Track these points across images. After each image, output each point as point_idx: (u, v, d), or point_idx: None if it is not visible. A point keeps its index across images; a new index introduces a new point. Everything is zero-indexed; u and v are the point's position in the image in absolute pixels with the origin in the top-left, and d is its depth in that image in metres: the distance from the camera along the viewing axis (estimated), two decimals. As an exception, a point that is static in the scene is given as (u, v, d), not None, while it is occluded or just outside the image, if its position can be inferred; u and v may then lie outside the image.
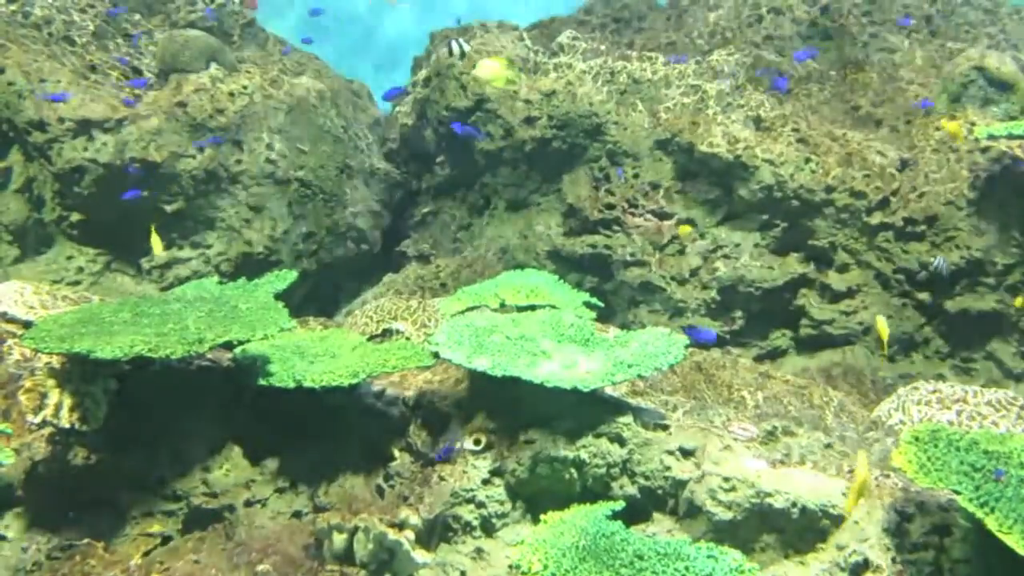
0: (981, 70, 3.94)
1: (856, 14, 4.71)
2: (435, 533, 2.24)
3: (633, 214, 4.11)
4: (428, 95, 4.64)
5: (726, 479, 2.17)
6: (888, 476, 2.30)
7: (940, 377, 3.69)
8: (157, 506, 2.33)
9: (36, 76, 3.80)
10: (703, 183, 4.07)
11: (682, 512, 2.21)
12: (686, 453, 2.27)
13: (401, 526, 2.16)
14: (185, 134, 3.93)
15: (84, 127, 3.82)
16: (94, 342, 2.17)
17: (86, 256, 3.89)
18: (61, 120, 3.78)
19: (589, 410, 2.29)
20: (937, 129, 3.93)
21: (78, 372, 2.31)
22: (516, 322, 2.52)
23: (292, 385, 2.26)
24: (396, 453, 2.42)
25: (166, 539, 2.31)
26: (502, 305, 2.76)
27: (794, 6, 4.80)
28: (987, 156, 3.75)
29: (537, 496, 2.25)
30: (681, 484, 2.22)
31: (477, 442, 2.32)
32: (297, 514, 2.34)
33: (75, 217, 3.88)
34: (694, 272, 4.01)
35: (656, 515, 2.24)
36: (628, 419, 2.29)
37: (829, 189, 3.92)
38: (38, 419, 2.27)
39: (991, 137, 3.63)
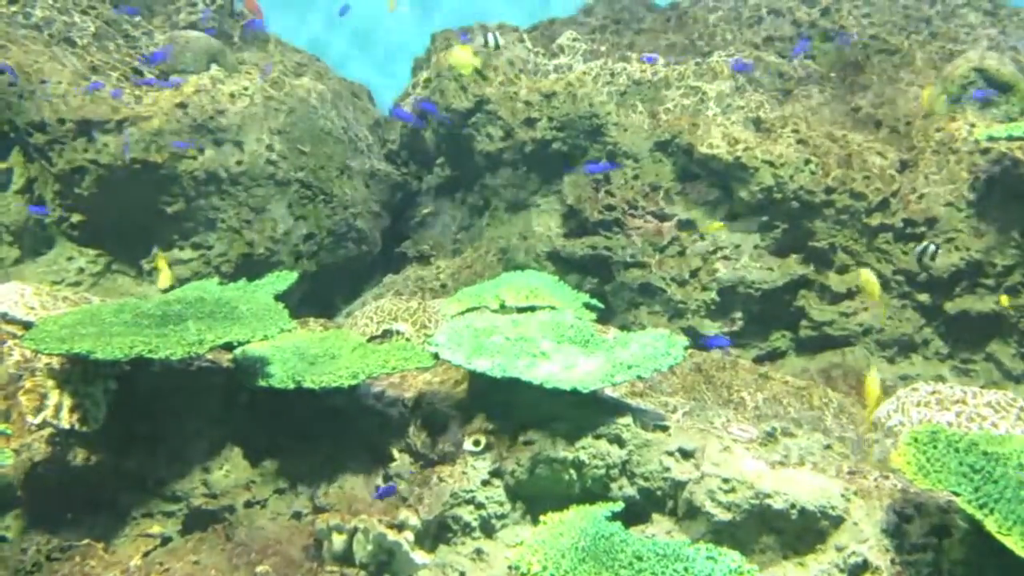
0: (981, 71, 3.94)
1: (856, 16, 4.72)
2: (434, 534, 2.24)
3: (633, 215, 4.11)
4: (428, 96, 4.64)
5: (725, 480, 2.17)
6: (887, 477, 2.30)
7: (940, 378, 3.69)
8: (157, 507, 2.34)
9: (37, 77, 3.80)
10: (703, 184, 4.07)
11: (681, 513, 2.21)
12: (685, 454, 2.27)
13: (400, 527, 2.17)
14: (186, 135, 3.94)
15: (85, 128, 3.82)
16: (94, 343, 2.17)
17: (86, 257, 3.90)
18: (62, 121, 3.79)
19: (588, 411, 2.30)
20: (938, 130, 3.93)
21: (78, 373, 2.31)
22: (516, 323, 2.53)
23: (292, 386, 2.27)
24: (396, 454, 2.43)
25: (166, 540, 2.31)
26: (502, 306, 2.76)
27: (794, 8, 4.81)
28: (987, 158, 3.75)
29: (536, 497, 2.25)
30: (680, 485, 2.22)
31: (476, 443, 2.32)
32: (297, 515, 2.35)
33: (76, 218, 3.88)
34: (694, 273, 4.01)
35: (655, 516, 2.24)
36: (627, 420, 2.29)
37: (829, 190, 3.92)
38: (38, 420, 2.27)
39: (991, 139, 3.63)
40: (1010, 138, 3.59)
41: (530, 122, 4.29)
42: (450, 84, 4.47)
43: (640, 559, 1.90)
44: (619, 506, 2.12)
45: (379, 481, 2.38)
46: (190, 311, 2.44)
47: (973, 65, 3.96)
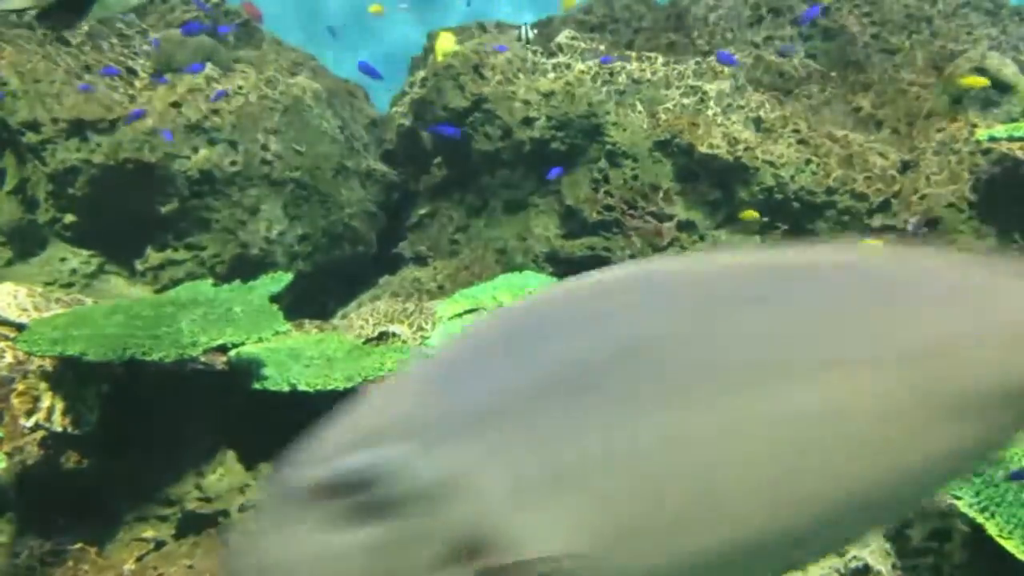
0: (982, 72, 3.92)
1: (857, 15, 4.70)
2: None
3: (632, 216, 4.09)
4: (425, 96, 4.62)
5: (725, 484, 2.15)
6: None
7: (940, 380, 3.68)
8: (150, 511, 2.32)
9: (30, 76, 3.77)
10: (703, 185, 4.05)
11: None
12: (685, 458, 2.25)
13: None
14: (180, 134, 3.91)
15: (78, 128, 3.79)
16: (87, 345, 2.15)
17: (80, 258, 3.87)
18: (55, 120, 3.76)
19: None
20: (939, 131, 3.92)
21: (71, 375, 2.29)
22: (514, 325, 2.50)
23: (287, 389, 2.25)
24: (392, 457, 2.40)
25: (159, 544, 2.29)
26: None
27: (794, 7, 4.79)
28: (988, 158, 3.74)
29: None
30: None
31: (474, 447, 2.30)
32: (292, 519, 2.32)
33: (69, 218, 3.86)
34: (693, 274, 3.99)
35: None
36: (627, 423, 2.27)
37: (830, 191, 3.90)
38: (31, 423, 2.25)
39: (992, 139, 3.62)
40: (1011, 139, 3.57)
41: (528, 121, 4.27)
42: (447, 83, 4.44)
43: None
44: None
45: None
46: (183, 313, 2.42)
47: (974, 65, 3.94)
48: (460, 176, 4.64)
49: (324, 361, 2.45)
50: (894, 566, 2.05)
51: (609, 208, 4.10)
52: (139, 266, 3.95)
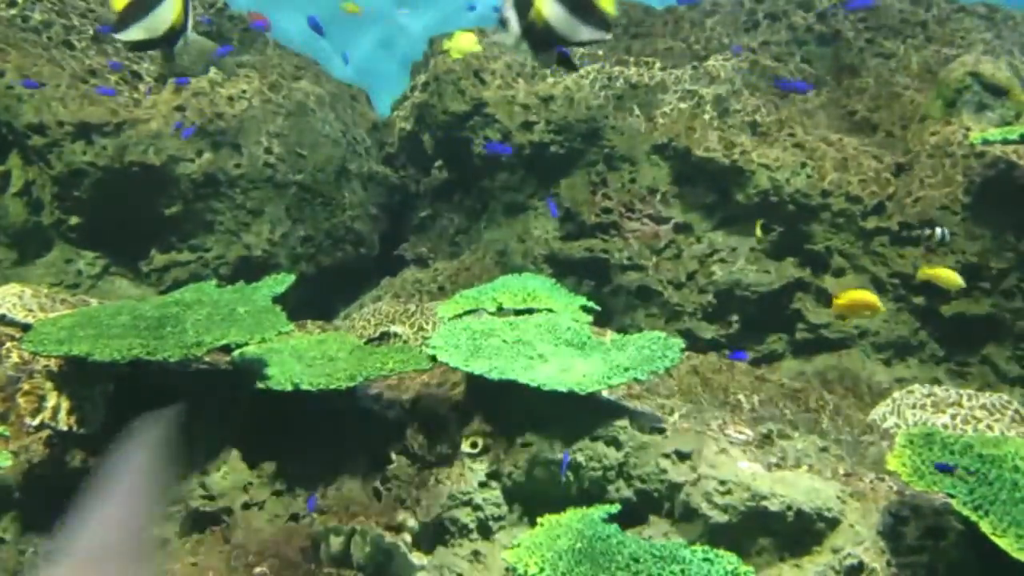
0: (976, 76, 3.96)
1: (852, 20, 4.74)
2: (432, 536, 2.25)
3: (630, 218, 4.12)
4: (426, 99, 4.65)
5: (722, 482, 2.18)
6: (883, 479, 2.31)
7: (935, 381, 3.70)
8: (155, 509, 2.34)
9: (35, 79, 3.80)
10: (700, 188, 4.09)
11: (678, 515, 2.22)
12: (682, 456, 2.28)
13: (398, 529, 2.17)
14: (184, 138, 3.94)
15: (83, 131, 3.83)
16: (92, 345, 2.18)
17: (85, 259, 3.90)
18: (60, 124, 3.79)
19: (586, 414, 2.30)
20: (933, 134, 3.95)
21: (76, 375, 2.32)
22: (513, 326, 2.54)
23: (290, 388, 2.27)
24: (393, 456, 2.43)
25: (164, 542, 2.31)
26: (499, 309, 2.77)
27: (790, 12, 4.83)
28: (982, 161, 3.77)
29: (534, 499, 2.26)
30: (677, 487, 2.23)
31: (474, 445, 2.33)
32: (294, 517, 2.35)
33: (74, 220, 3.89)
34: (691, 276, 4.02)
35: (652, 518, 2.25)
36: (624, 422, 2.30)
37: (825, 194, 3.94)
38: (36, 422, 2.28)
39: (986, 142, 3.65)
40: (1005, 141, 3.60)
41: (528, 125, 4.30)
42: (448, 88, 4.48)
43: (636, 561, 1.91)
44: (616, 508, 2.13)
45: (377, 483, 2.39)
46: (188, 313, 2.45)
47: (968, 69, 3.98)
48: (460, 179, 4.67)
49: (326, 361, 2.48)
50: (889, 563, 2.08)
51: (607, 211, 4.14)
52: (144, 267, 3.98)
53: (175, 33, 1.92)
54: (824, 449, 2.44)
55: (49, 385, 2.30)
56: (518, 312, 2.72)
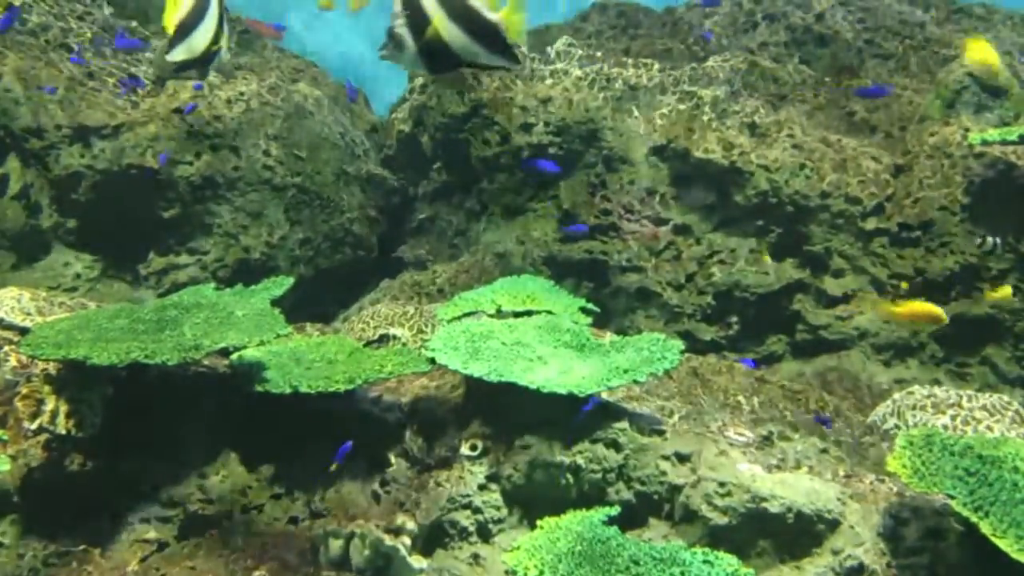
0: (974, 76, 3.96)
1: (851, 20, 4.74)
2: (431, 539, 2.24)
3: (629, 220, 4.12)
4: (425, 102, 4.65)
5: (722, 484, 2.17)
6: (883, 481, 2.31)
7: (936, 382, 3.70)
8: (153, 512, 2.33)
9: (33, 82, 3.80)
10: (699, 189, 4.09)
11: (678, 517, 2.22)
12: (682, 458, 2.27)
13: (397, 532, 2.17)
14: (182, 140, 3.94)
15: (81, 134, 3.83)
16: (90, 349, 2.17)
17: (83, 262, 3.90)
18: (58, 127, 3.79)
19: (585, 415, 2.30)
20: (932, 135, 3.95)
21: (74, 379, 2.31)
22: (512, 328, 2.53)
23: (288, 391, 2.27)
24: (392, 459, 2.43)
25: (162, 545, 2.31)
26: (498, 311, 2.77)
27: (789, 13, 4.83)
28: (981, 162, 3.77)
29: (533, 501, 2.26)
30: (677, 489, 2.23)
31: (473, 447, 2.32)
32: (293, 520, 2.35)
33: (72, 223, 3.89)
34: (690, 277, 4.02)
35: (652, 520, 2.25)
36: (624, 424, 2.30)
37: (824, 195, 3.93)
38: (34, 426, 2.27)
39: (985, 143, 3.65)
40: (1004, 142, 3.60)
41: (526, 127, 4.30)
42: (446, 90, 4.48)
43: (637, 563, 1.90)
44: (616, 511, 2.13)
45: (375, 486, 2.39)
46: (186, 316, 2.44)
47: (967, 70, 3.98)
48: (459, 181, 4.67)
49: (325, 363, 2.48)
50: (889, 565, 2.08)
51: (606, 212, 4.13)
52: (142, 270, 3.97)
53: (211, 54, 1.93)
54: (824, 450, 2.44)
55: (47, 389, 2.30)
56: (517, 314, 2.71)
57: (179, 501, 2.35)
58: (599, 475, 2.24)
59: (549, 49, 4.58)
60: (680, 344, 2.43)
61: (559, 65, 4.48)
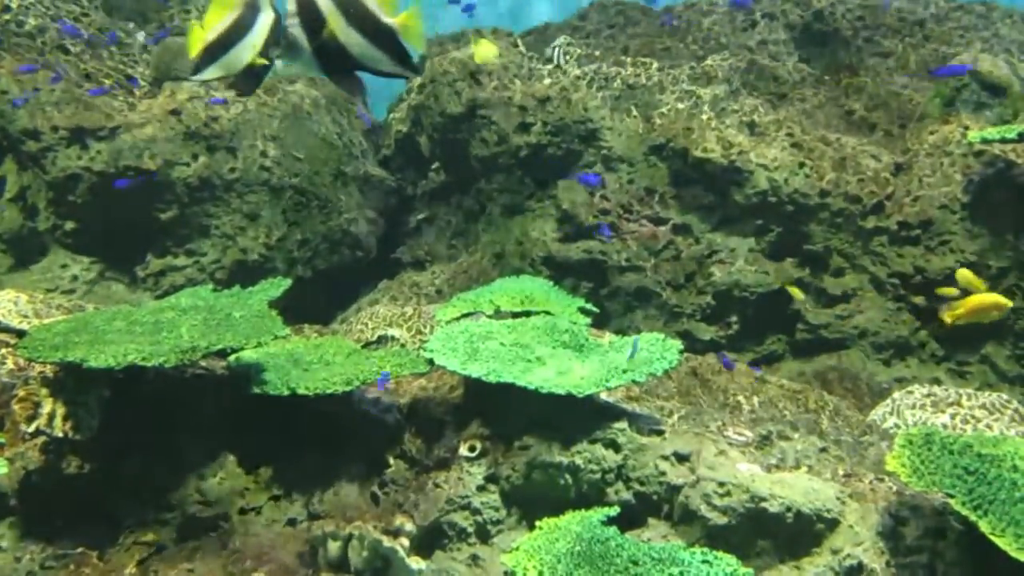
0: (974, 74, 3.95)
1: (850, 18, 4.73)
2: (430, 540, 2.24)
3: (628, 219, 4.11)
4: (423, 101, 4.65)
5: (721, 484, 2.17)
6: (883, 480, 2.30)
7: (935, 381, 3.70)
8: (151, 514, 2.33)
9: (30, 84, 3.80)
10: (698, 188, 4.08)
11: (677, 517, 2.21)
12: (681, 458, 2.27)
13: (396, 533, 2.16)
14: (179, 142, 3.94)
15: (78, 135, 3.82)
16: (87, 351, 2.17)
17: (80, 265, 3.90)
18: (55, 129, 3.79)
19: (584, 416, 2.29)
20: (931, 133, 3.95)
21: (72, 381, 2.31)
22: (511, 328, 2.53)
23: (286, 393, 2.26)
24: (391, 460, 2.42)
25: (160, 548, 2.30)
26: (497, 311, 2.76)
27: (788, 11, 4.82)
28: (980, 160, 3.77)
29: (532, 502, 2.25)
30: (676, 489, 2.22)
31: (472, 448, 2.32)
32: (292, 522, 2.34)
33: (69, 226, 3.88)
34: (689, 277, 4.02)
35: (651, 520, 2.24)
36: (623, 425, 2.29)
37: (823, 193, 3.93)
38: (31, 428, 2.27)
39: (984, 141, 3.65)
40: (1003, 140, 3.60)
41: (524, 127, 4.30)
42: (444, 89, 4.47)
43: (636, 564, 1.90)
44: (615, 511, 2.12)
45: (374, 488, 2.38)
46: (184, 318, 2.44)
47: (967, 68, 3.97)
48: (458, 181, 4.67)
49: (323, 365, 2.47)
50: (888, 564, 2.07)
51: (605, 212, 4.13)
52: (140, 272, 3.97)
53: (256, 69, 1.91)
54: (824, 450, 2.44)
55: (44, 391, 2.29)
56: (516, 314, 2.71)
57: (177, 503, 2.34)
58: (598, 475, 2.23)
59: (548, 49, 4.58)
60: (679, 344, 2.43)
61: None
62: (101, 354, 2.15)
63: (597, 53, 4.58)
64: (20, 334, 2.56)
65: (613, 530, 2.02)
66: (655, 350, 2.39)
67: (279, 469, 2.40)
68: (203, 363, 2.55)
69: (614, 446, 2.26)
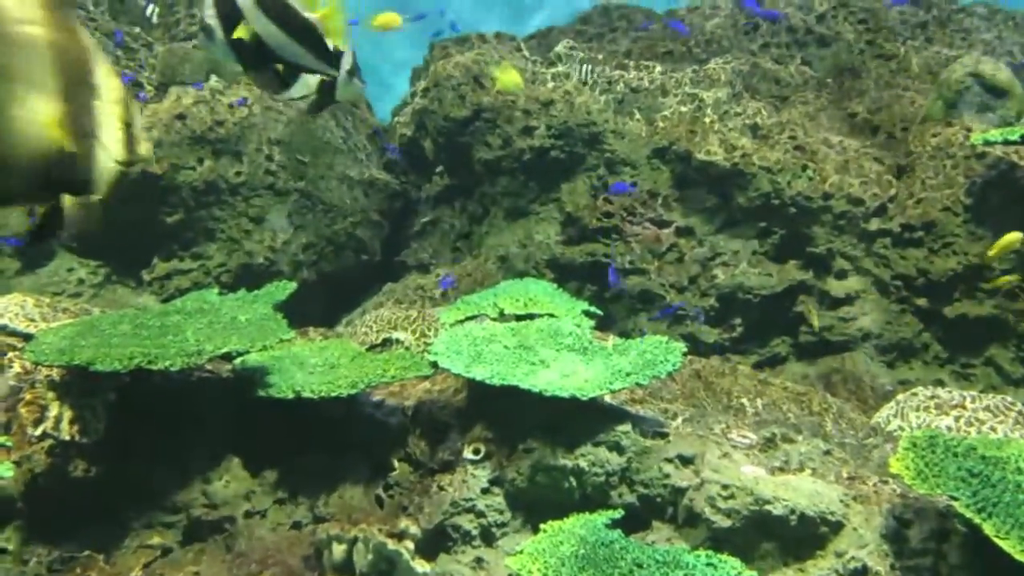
0: (976, 76, 3.95)
1: (852, 21, 4.74)
2: (435, 543, 2.24)
3: (631, 222, 4.12)
4: (427, 105, 4.66)
5: (725, 487, 2.17)
6: (887, 482, 2.30)
7: (939, 383, 3.69)
8: (157, 518, 2.34)
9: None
10: (701, 191, 4.09)
11: (681, 520, 2.21)
12: (685, 461, 2.27)
13: (401, 536, 2.17)
14: (185, 146, 3.95)
15: (84, 140, 3.83)
16: (93, 354, 2.18)
17: (86, 268, 3.91)
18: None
19: (588, 419, 2.30)
20: (934, 135, 3.95)
21: (78, 384, 2.32)
22: (515, 331, 2.53)
23: (291, 396, 2.27)
24: (395, 463, 2.43)
25: (166, 551, 2.31)
26: (501, 314, 2.76)
27: (790, 14, 4.83)
28: (983, 162, 3.77)
29: (536, 505, 2.25)
30: (680, 492, 2.22)
31: (476, 451, 2.32)
32: (297, 525, 2.35)
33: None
34: (693, 280, 4.02)
35: (655, 523, 2.24)
36: (627, 427, 2.29)
37: (827, 196, 3.93)
38: (38, 432, 2.28)
39: (987, 143, 3.65)
40: (1006, 142, 3.60)
41: (528, 130, 4.31)
42: (448, 93, 4.49)
43: (640, 566, 1.90)
44: (619, 513, 2.12)
45: (379, 491, 2.39)
46: (189, 321, 2.45)
47: (969, 70, 3.97)
48: (462, 184, 4.68)
49: (328, 368, 2.48)
50: (892, 567, 2.07)
51: (608, 215, 4.13)
52: (145, 276, 3.98)
53: (328, 83, 1.92)
54: (828, 452, 2.44)
55: (51, 395, 2.31)
56: (520, 317, 2.71)
57: (183, 506, 2.35)
58: (602, 478, 2.24)
59: (575, 66, 4.59)
60: (682, 347, 2.43)
61: (560, 68, 4.48)
62: (107, 357, 2.16)
63: (600, 56, 4.59)
64: (27, 338, 2.57)
65: (617, 533, 2.02)
66: (659, 353, 2.39)
67: (284, 472, 2.41)
68: (209, 366, 2.56)
69: (618, 449, 2.26)
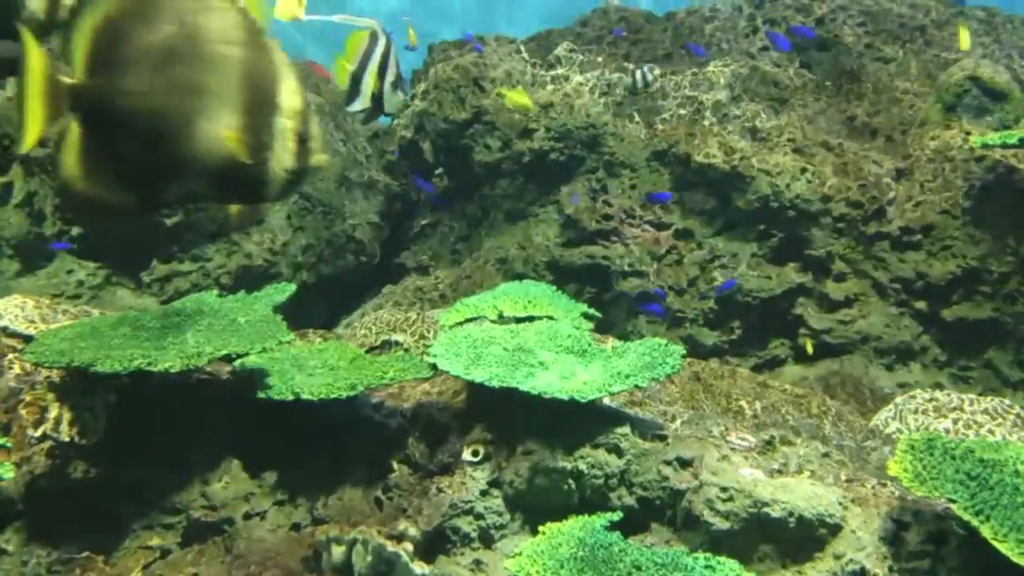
0: (975, 80, 3.96)
1: (851, 24, 4.75)
2: (433, 545, 2.24)
3: (631, 225, 4.13)
4: (426, 108, 4.67)
5: (723, 489, 2.17)
6: (885, 485, 2.31)
7: (938, 386, 3.70)
8: (156, 519, 2.34)
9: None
10: (700, 193, 4.09)
11: (680, 522, 2.22)
12: (684, 463, 2.27)
13: (399, 538, 2.17)
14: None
15: (84, 142, 3.84)
16: (94, 356, 2.19)
17: (86, 270, 3.91)
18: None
19: (587, 421, 2.30)
20: (933, 139, 3.96)
21: (78, 386, 2.32)
22: (514, 333, 2.54)
23: (291, 398, 2.27)
24: (395, 465, 2.43)
25: (165, 552, 2.31)
26: (500, 316, 2.77)
27: (789, 18, 4.84)
28: (982, 165, 3.78)
29: (535, 507, 2.26)
30: (679, 494, 2.23)
31: (475, 453, 2.33)
32: (296, 527, 2.35)
33: (75, 231, 3.90)
34: (692, 282, 4.03)
35: (654, 525, 2.24)
36: (626, 430, 2.30)
37: (825, 199, 3.94)
38: (38, 433, 2.28)
39: (985, 146, 3.66)
40: (1004, 145, 3.61)
41: (527, 133, 4.32)
42: (448, 96, 4.50)
43: (639, 569, 1.91)
44: (618, 516, 2.13)
45: (378, 493, 2.39)
46: (189, 323, 2.45)
47: (967, 73, 3.98)
48: (461, 187, 4.69)
49: (327, 370, 2.48)
50: (890, 569, 2.08)
51: (607, 217, 4.14)
52: (145, 278, 3.99)
53: (378, 96, 1.94)
54: (826, 455, 2.44)
55: (51, 396, 2.31)
56: (519, 319, 2.71)
57: (182, 508, 2.35)
58: (601, 480, 2.24)
59: (550, 56, 4.60)
60: (682, 349, 2.43)
61: (560, 70, 4.49)
62: (107, 359, 2.16)
63: (599, 59, 4.60)
64: (27, 339, 2.57)
65: (616, 535, 2.02)
66: (658, 355, 2.40)
67: (284, 474, 2.41)
68: (208, 368, 2.56)
69: (617, 451, 2.26)
